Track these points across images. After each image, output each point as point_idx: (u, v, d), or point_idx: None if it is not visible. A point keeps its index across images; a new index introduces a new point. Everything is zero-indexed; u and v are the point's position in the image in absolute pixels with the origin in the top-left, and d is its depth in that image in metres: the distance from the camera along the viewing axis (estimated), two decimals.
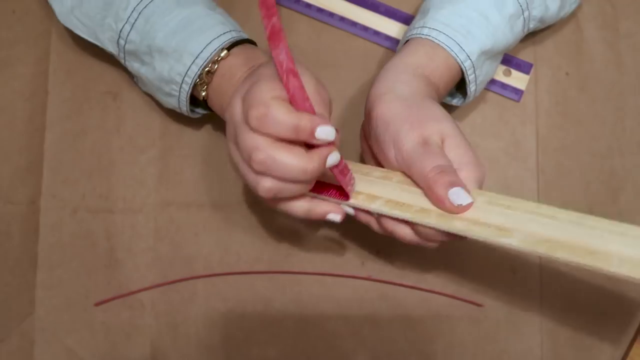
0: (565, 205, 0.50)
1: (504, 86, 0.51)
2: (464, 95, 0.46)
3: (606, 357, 0.48)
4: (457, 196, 0.36)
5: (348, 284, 0.49)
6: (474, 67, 0.43)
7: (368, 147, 0.43)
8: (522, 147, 0.51)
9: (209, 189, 0.50)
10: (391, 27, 0.51)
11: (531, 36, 0.51)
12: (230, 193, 0.50)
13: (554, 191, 0.50)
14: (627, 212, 0.50)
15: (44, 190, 0.50)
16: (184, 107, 0.45)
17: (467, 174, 0.37)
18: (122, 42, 0.44)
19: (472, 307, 0.49)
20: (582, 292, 0.49)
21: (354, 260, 0.49)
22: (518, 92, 0.50)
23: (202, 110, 0.47)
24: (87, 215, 0.50)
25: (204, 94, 0.43)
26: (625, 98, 0.51)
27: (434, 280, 0.49)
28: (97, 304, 0.49)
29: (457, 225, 0.36)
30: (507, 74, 0.51)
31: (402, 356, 0.49)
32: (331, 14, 0.52)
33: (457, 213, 0.36)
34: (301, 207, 0.38)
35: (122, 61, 0.46)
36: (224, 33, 0.43)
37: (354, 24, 0.52)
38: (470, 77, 0.43)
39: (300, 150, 0.35)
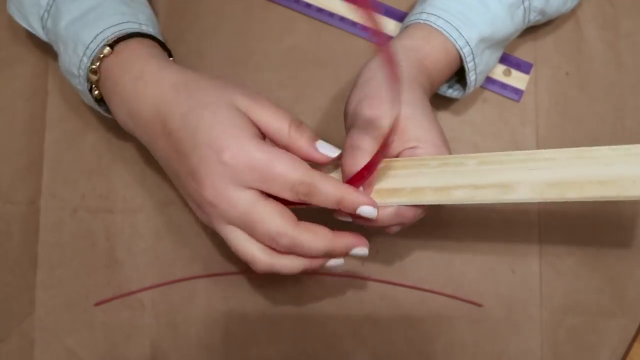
0: (565, 206, 0.50)
1: (504, 86, 0.51)
2: (463, 87, 0.46)
3: (606, 357, 0.48)
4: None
5: (348, 284, 0.49)
6: (473, 54, 0.43)
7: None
8: (522, 147, 0.51)
9: None
10: (391, 27, 0.51)
11: (531, 36, 0.51)
12: None
13: None
14: (627, 212, 0.50)
15: (43, 190, 0.50)
16: (95, 105, 0.43)
17: (423, 151, 0.38)
18: (44, 30, 0.43)
19: (472, 307, 0.49)
20: (582, 291, 0.49)
21: (354, 260, 0.49)
22: (518, 92, 0.50)
23: None
24: (87, 215, 0.50)
25: (96, 92, 0.41)
26: (625, 98, 0.51)
27: (434, 280, 0.49)
28: (97, 304, 0.49)
29: (457, 195, 0.35)
30: (507, 74, 0.51)
31: (402, 356, 0.49)
32: (331, 14, 0.52)
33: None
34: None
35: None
36: (120, 23, 0.40)
37: (353, 24, 0.52)
38: (469, 64, 0.43)
39: (324, 232, 0.36)
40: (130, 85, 0.38)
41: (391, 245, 0.49)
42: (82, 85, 0.42)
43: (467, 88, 0.45)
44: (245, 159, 0.34)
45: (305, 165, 0.35)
